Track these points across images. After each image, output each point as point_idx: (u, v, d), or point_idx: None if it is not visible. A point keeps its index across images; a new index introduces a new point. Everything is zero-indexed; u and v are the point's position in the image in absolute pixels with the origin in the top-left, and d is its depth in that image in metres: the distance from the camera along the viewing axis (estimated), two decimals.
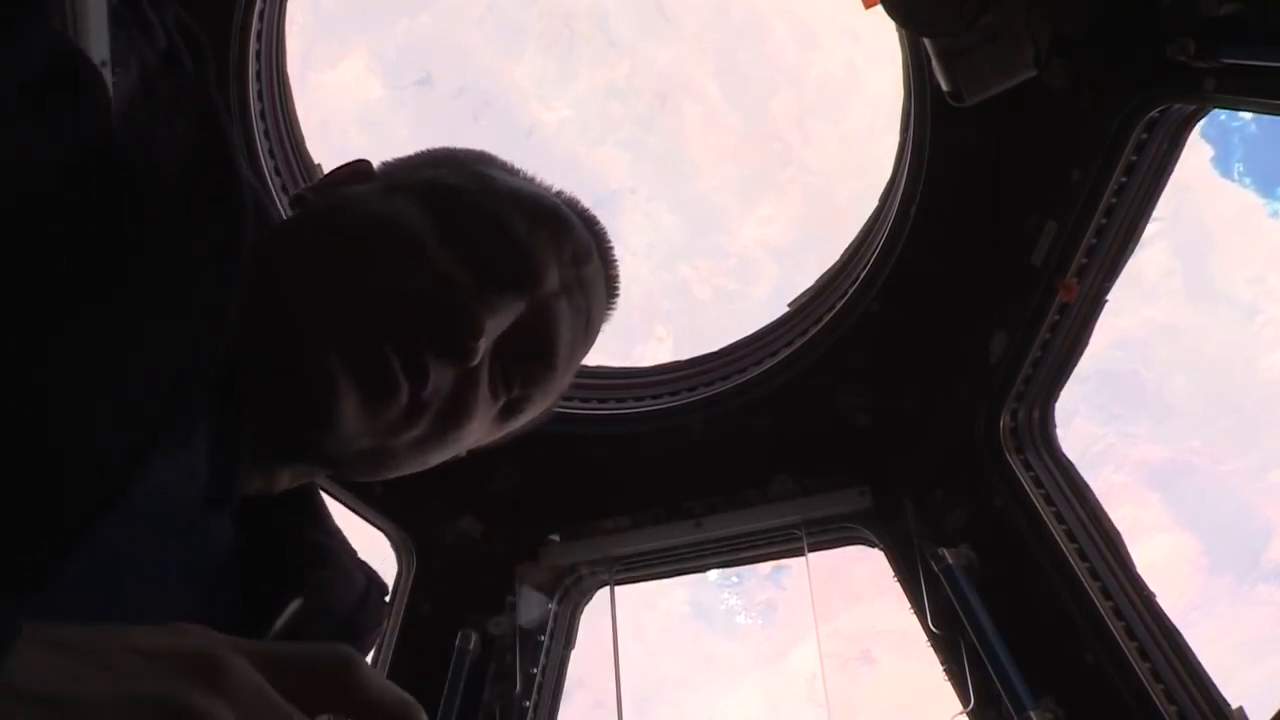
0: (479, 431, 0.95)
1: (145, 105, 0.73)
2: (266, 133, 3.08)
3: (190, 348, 0.66)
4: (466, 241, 0.88)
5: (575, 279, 0.96)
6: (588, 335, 1.02)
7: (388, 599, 1.00)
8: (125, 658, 0.51)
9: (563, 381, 1.03)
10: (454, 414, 0.88)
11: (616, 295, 1.09)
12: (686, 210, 8.07)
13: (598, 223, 1.06)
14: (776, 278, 7.61)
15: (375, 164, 1.05)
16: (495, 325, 0.87)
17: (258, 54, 2.95)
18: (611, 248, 1.07)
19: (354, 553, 0.98)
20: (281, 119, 3.17)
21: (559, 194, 1.04)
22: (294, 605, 0.81)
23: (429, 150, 1.06)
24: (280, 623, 0.80)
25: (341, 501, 3.32)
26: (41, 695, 0.47)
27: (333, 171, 1.03)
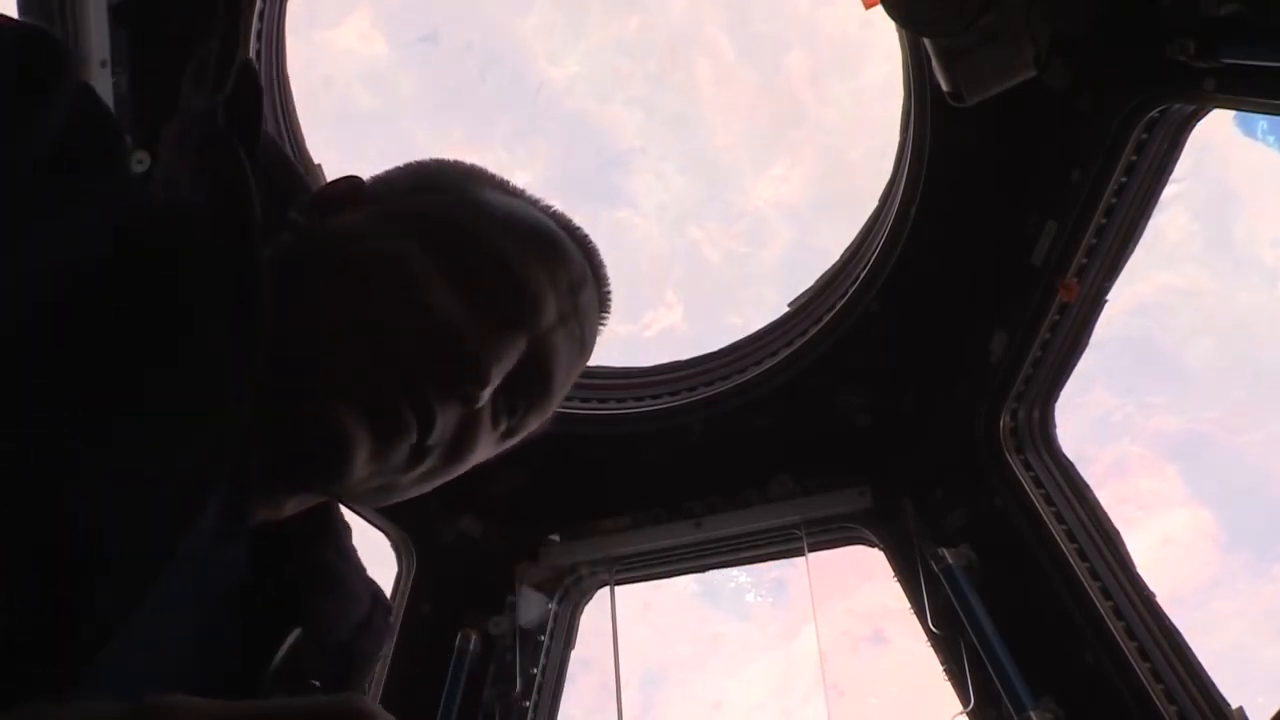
0: (480, 458, 0.98)
1: (176, 146, 0.75)
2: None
3: (213, 444, 0.68)
4: (468, 281, 0.89)
5: (572, 308, 0.97)
6: (583, 355, 1.04)
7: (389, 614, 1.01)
8: None
9: (559, 400, 1.05)
10: (459, 449, 0.91)
11: (608, 310, 1.10)
12: (697, 170, 7.92)
13: (590, 242, 1.06)
14: (789, 240, 7.51)
15: (366, 180, 1.03)
16: (501, 369, 0.89)
17: (258, 54, 2.95)
18: (603, 265, 1.08)
19: (363, 570, 0.99)
20: (281, 119, 3.17)
21: (551, 212, 1.04)
22: (293, 636, 0.82)
23: (419, 166, 1.04)
24: (281, 653, 0.81)
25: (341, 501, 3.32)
26: None
27: (324, 190, 1.02)
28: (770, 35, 7.48)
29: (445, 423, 0.87)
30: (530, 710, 3.21)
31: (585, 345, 1.03)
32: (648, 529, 3.45)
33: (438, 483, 0.96)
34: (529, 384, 0.95)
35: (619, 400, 3.53)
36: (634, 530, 3.46)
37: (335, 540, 0.97)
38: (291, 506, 0.93)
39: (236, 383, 0.69)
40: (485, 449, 0.96)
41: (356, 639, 0.92)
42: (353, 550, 1.00)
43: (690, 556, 3.51)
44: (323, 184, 1.03)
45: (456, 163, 1.05)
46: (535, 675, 3.27)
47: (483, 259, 0.90)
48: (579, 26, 7.53)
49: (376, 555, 3.47)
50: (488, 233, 0.93)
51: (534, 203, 1.04)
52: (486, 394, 0.87)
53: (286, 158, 0.99)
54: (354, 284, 0.86)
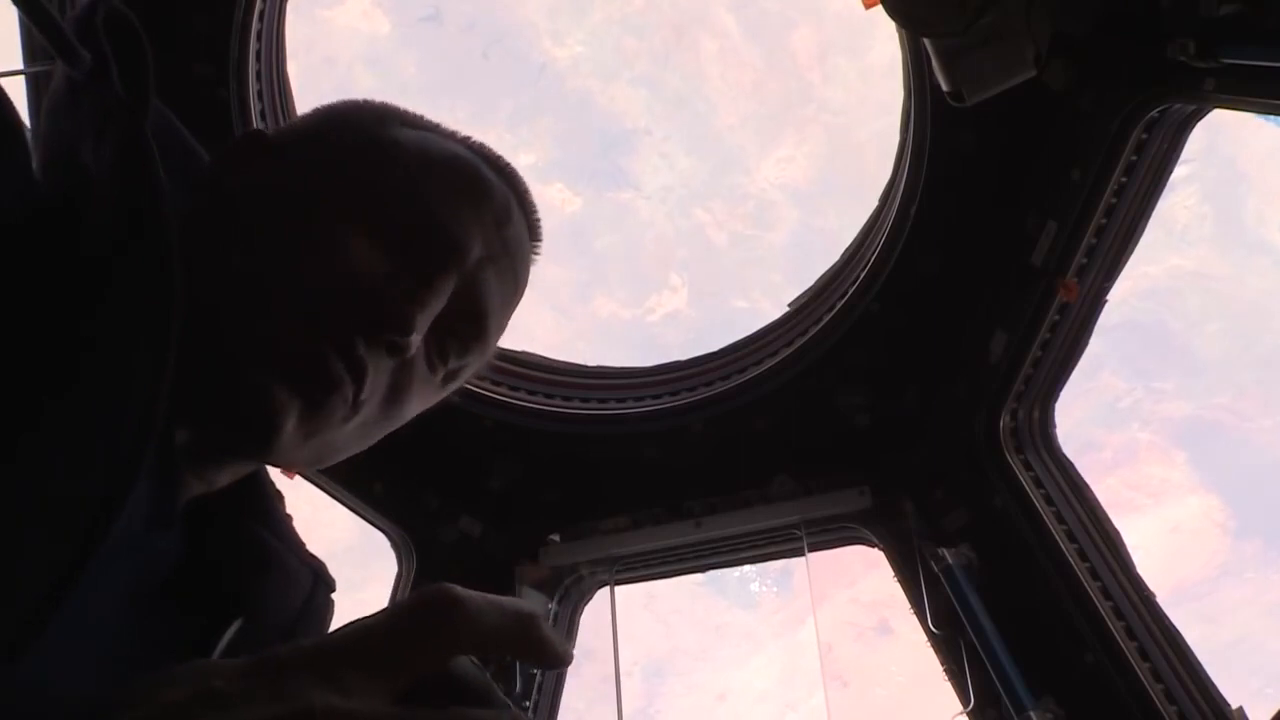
0: (420, 404, 0.95)
1: (70, 122, 0.72)
2: None
3: (134, 431, 0.64)
4: (386, 227, 0.86)
5: (499, 242, 0.94)
6: (516, 290, 1.01)
7: (334, 595, 0.98)
8: None
9: (497, 337, 1.02)
10: (394, 397, 0.89)
11: (540, 238, 1.06)
12: (702, 151, 7.76)
13: (511, 169, 1.02)
14: (795, 222, 7.42)
15: (269, 131, 1.00)
16: (428, 313, 0.87)
17: (258, 54, 2.95)
18: (528, 193, 1.04)
19: (302, 546, 0.96)
20: (281, 119, 3.18)
21: (468, 143, 1.00)
22: (233, 628, 0.80)
23: (326, 109, 1.00)
24: (222, 645, 0.78)
25: (341, 501, 3.32)
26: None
27: (228, 147, 0.96)
28: (775, 13, 7.40)
29: (377, 374, 0.85)
30: (530, 710, 3.21)
31: (519, 279, 1.00)
32: (648, 529, 3.45)
33: (376, 434, 0.93)
34: (461, 324, 0.92)
35: (619, 400, 3.53)
36: (634, 530, 3.46)
37: (268, 515, 0.94)
38: (225, 478, 0.89)
39: (157, 359, 0.65)
40: (422, 394, 0.94)
41: (299, 622, 0.89)
42: (288, 522, 0.96)
43: (690, 556, 3.51)
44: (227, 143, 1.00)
45: (365, 102, 1.00)
46: (535, 675, 3.27)
47: (398, 202, 0.87)
48: (583, 5, 7.47)
49: (377, 555, 3.48)
50: (402, 173, 0.89)
51: (450, 135, 1.00)
52: (415, 341, 0.85)
53: (180, 130, 0.95)
54: (267, 239, 0.83)
